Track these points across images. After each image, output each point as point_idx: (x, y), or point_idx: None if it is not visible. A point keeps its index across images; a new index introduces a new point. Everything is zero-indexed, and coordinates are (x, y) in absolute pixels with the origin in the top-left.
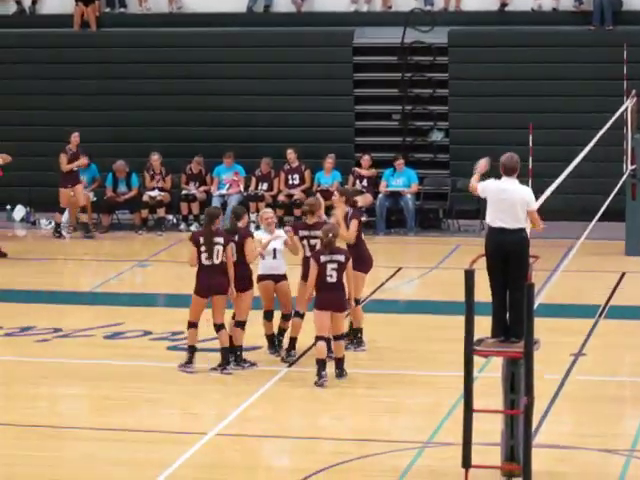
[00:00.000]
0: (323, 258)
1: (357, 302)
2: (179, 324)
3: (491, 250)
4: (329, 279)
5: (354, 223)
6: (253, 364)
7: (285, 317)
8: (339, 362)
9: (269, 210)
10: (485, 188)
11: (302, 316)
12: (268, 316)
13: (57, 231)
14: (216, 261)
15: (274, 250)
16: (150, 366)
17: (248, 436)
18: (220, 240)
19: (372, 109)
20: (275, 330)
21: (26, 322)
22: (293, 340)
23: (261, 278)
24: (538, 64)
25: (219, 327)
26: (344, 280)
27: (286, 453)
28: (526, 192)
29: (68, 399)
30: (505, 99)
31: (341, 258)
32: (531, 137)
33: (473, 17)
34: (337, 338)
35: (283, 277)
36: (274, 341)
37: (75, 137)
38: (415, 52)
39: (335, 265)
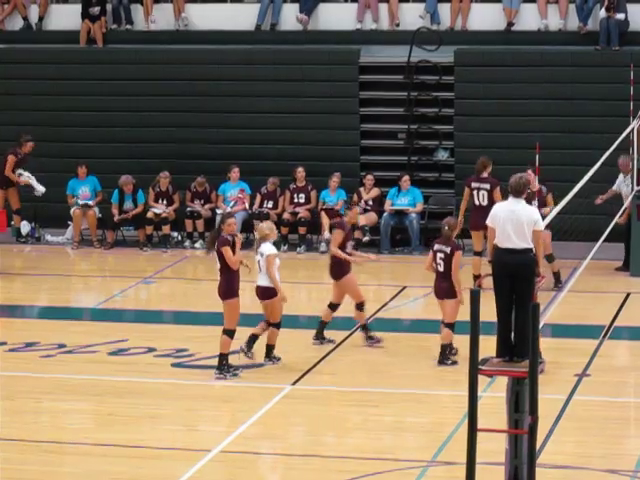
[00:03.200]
0: (436, 247)
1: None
2: (183, 341)
3: (498, 270)
4: (438, 267)
5: None
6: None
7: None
8: (443, 348)
9: (262, 224)
10: (494, 216)
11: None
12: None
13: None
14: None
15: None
16: (154, 383)
17: (252, 453)
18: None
19: (378, 128)
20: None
21: (30, 338)
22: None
23: (272, 292)
24: (544, 84)
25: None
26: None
27: (290, 471)
28: (533, 212)
29: (71, 415)
30: (511, 119)
31: (447, 250)
32: (537, 157)
33: (479, 36)
34: (446, 325)
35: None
36: (254, 342)
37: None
38: (421, 71)
39: (442, 255)
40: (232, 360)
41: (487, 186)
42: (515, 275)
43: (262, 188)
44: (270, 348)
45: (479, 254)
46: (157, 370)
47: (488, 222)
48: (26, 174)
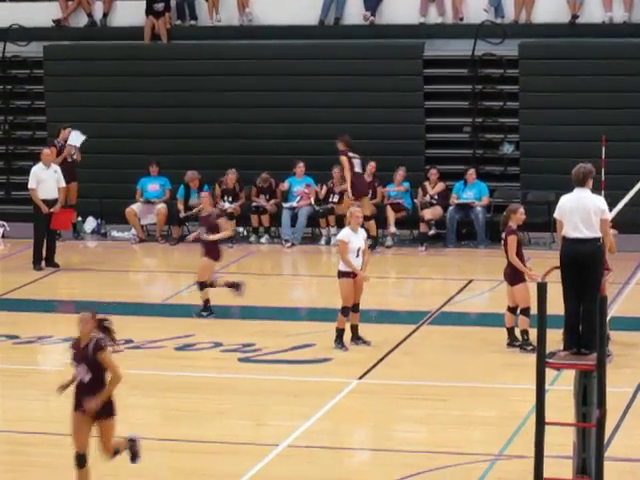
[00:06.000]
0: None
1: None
2: (250, 336)
3: (566, 260)
4: (504, 254)
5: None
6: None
7: (354, 308)
8: (522, 334)
9: (359, 209)
10: (560, 207)
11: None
12: (346, 312)
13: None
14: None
15: (358, 249)
16: (221, 378)
17: (319, 448)
18: None
19: (442, 121)
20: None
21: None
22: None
23: (342, 274)
24: (609, 76)
25: None
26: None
27: (357, 465)
28: (600, 200)
29: (138, 410)
30: (576, 112)
31: (503, 235)
32: (603, 149)
33: (544, 29)
34: (521, 311)
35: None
36: (342, 335)
37: (65, 132)
38: (486, 64)
39: (502, 241)
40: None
41: None
42: (583, 265)
43: (329, 182)
44: (353, 330)
45: None
46: (223, 365)
47: (555, 214)
48: (74, 143)
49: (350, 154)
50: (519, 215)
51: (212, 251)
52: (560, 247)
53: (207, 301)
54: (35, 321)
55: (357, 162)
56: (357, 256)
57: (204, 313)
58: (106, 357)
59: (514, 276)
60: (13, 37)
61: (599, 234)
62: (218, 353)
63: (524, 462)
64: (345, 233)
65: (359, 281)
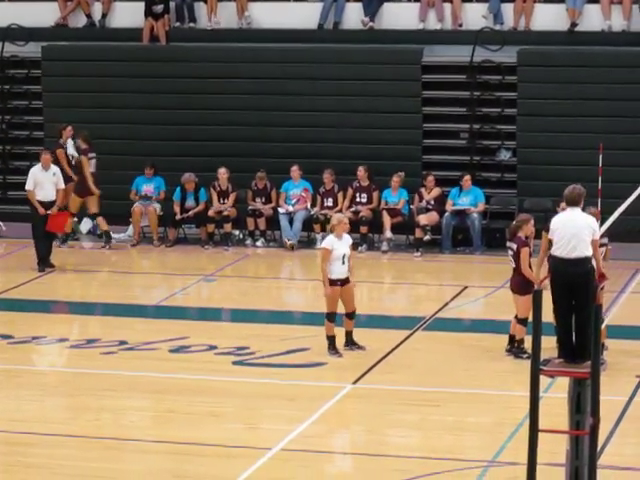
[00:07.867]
0: (508, 243)
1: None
2: (244, 339)
3: (558, 280)
4: (511, 264)
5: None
6: None
7: (349, 316)
8: (518, 343)
9: (344, 216)
10: (552, 226)
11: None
12: (331, 318)
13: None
14: None
15: (343, 255)
16: (215, 380)
17: (313, 452)
18: None
19: (440, 127)
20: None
21: (92, 335)
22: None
23: (330, 283)
24: (608, 84)
25: None
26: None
27: (350, 470)
28: (591, 220)
29: (132, 412)
30: (574, 119)
31: (514, 246)
32: (601, 157)
33: (543, 37)
34: (518, 321)
35: (347, 280)
36: (334, 342)
37: (68, 131)
38: (484, 71)
39: (511, 252)
40: None
41: None
42: (576, 284)
43: (320, 188)
44: (347, 335)
45: None
46: (218, 368)
47: (549, 235)
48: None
49: (90, 154)
50: (530, 226)
51: None
52: (548, 265)
53: None
54: (30, 321)
55: (93, 162)
56: (343, 263)
57: None
58: None
59: (524, 286)
60: (11, 37)
61: (590, 253)
62: (212, 356)
63: (517, 469)
64: (329, 240)
65: (348, 289)
